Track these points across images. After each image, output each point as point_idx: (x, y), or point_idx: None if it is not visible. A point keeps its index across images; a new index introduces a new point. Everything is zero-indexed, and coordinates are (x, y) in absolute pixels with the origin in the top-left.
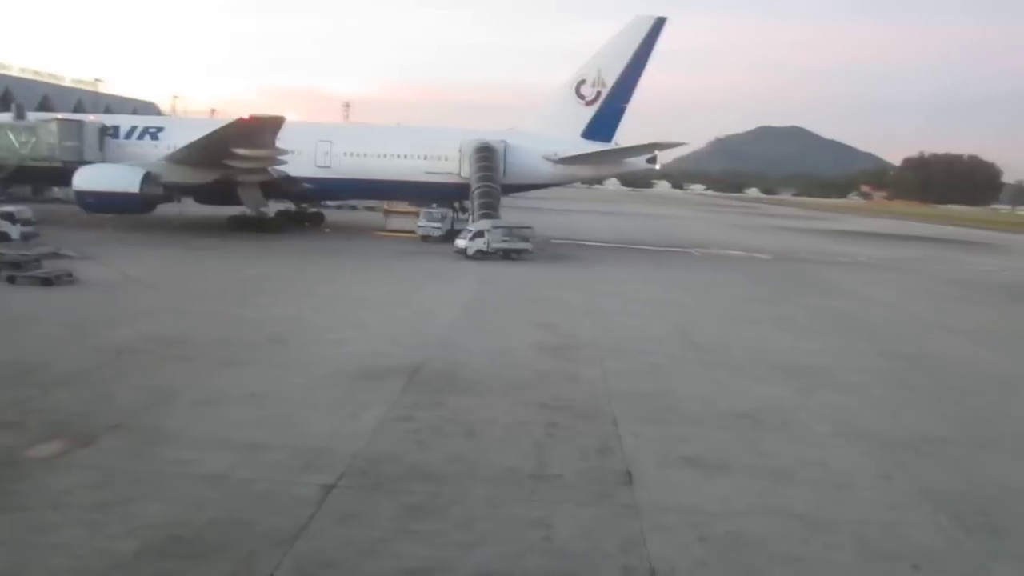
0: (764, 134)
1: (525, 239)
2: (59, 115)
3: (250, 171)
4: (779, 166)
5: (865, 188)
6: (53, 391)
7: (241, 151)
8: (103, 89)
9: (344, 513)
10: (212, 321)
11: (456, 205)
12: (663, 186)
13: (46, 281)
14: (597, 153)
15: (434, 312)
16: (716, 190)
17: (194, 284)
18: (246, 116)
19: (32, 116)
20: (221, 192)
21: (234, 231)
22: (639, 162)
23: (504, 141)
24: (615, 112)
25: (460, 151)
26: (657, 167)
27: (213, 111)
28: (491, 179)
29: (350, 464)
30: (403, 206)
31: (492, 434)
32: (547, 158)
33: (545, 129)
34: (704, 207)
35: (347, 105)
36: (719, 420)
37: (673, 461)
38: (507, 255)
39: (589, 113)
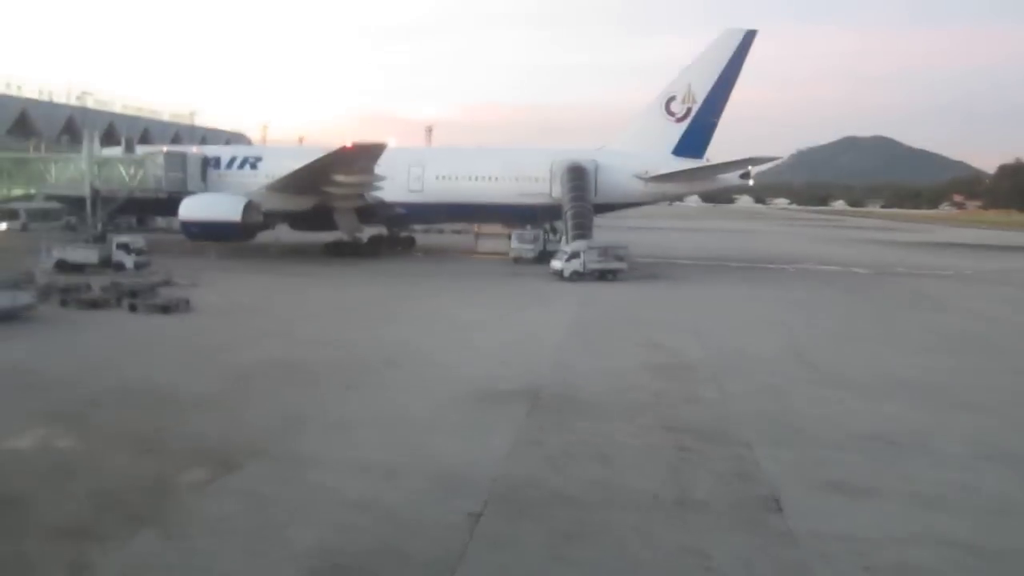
0: (848, 145)
1: (620, 259)
2: (164, 148)
3: (347, 197)
4: (864, 177)
5: (958, 198)
6: (190, 417)
7: (340, 178)
8: (198, 121)
9: (496, 540)
10: (325, 345)
11: (547, 226)
12: (745, 201)
13: (165, 309)
14: (690, 170)
15: (540, 334)
16: (800, 203)
17: (301, 309)
18: (349, 143)
19: (140, 149)
20: (317, 218)
21: (331, 256)
22: (732, 178)
23: (595, 160)
24: (706, 128)
25: (551, 171)
26: (751, 183)
27: (301, 139)
28: (583, 199)
29: (491, 490)
30: (493, 228)
31: (625, 458)
32: (638, 176)
33: (635, 147)
34: (790, 221)
35: (430, 129)
36: (854, 442)
37: (818, 486)
38: (603, 275)
39: (679, 130)
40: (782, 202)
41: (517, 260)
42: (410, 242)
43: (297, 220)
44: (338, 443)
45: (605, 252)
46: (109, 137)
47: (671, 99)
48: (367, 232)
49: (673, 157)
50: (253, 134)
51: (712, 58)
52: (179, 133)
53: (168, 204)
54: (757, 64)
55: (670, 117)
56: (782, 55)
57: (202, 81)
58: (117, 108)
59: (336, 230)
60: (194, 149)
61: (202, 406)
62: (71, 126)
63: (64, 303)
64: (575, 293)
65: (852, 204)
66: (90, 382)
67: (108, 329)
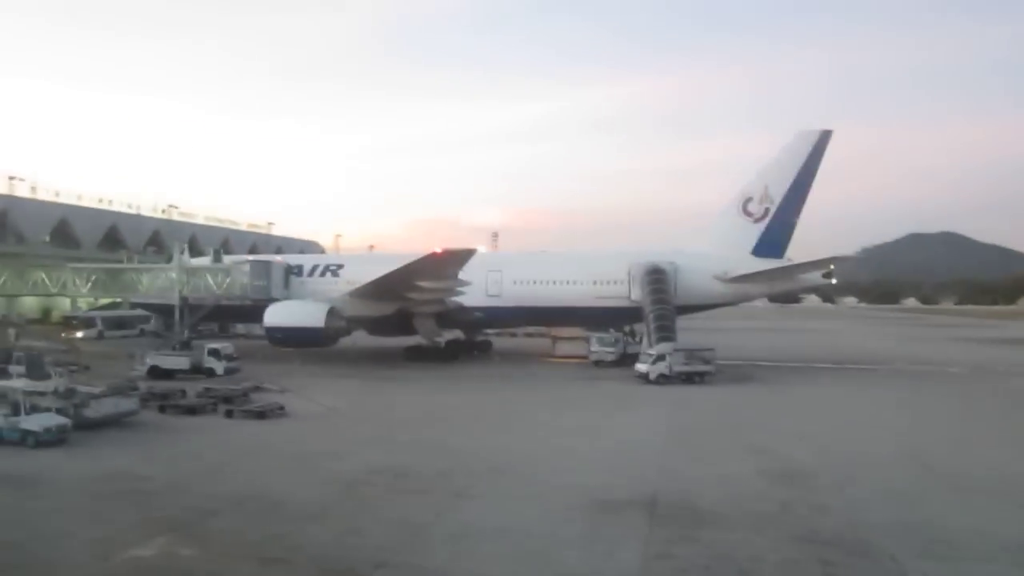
0: (914, 241)
1: (707, 361)
2: (250, 257)
3: (429, 302)
4: (932, 273)
5: None
6: (306, 526)
7: (425, 283)
8: (274, 231)
9: None
10: (426, 451)
11: (627, 328)
12: (812, 300)
13: (261, 415)
14: (771, 271)
15: (639, 439)
16: (869, 301)
17: (393, 414)
18: (439, 250)
19: (227, 259)
20: (397, 323)
21: (411, 361)
22: (815, 277)
23: (673, 262)
24: (785, 227)
25: (629, 274)
26: (833, 281)
27: (371, 247)
28: (665, 301)
29: None
30: (570, 331)
31: (767, 574)
32: (718, 277)
33: (713, 248)
34: (863, 320)
35: (495, 235)
36: (1009, 555)
37: None
38: (689, 378)
39: (758, 230)
40: (851, 300)
41: (598, 363)
42: (486, 346)
43: (377, 325)
44: (463, 556)
45: (691, 355)
46: (191, 248)
47: (748, 200)
48: (444, 336)
49: (752, 257)
50: (323, 241)
51: (788, 159)
52: (256, 242)
53: (251, 311)
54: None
55: (748, 217)
56: (848, 153)
57: (272, 191)
58: (199, 220)
59: (412, 334)
60: (278, 258)
61: (317, 516)
62: (156, 238)
63: (162, 409)
64: (665, 397)
65: (924, 301)
66: (202, 489)
67: (209, 436)
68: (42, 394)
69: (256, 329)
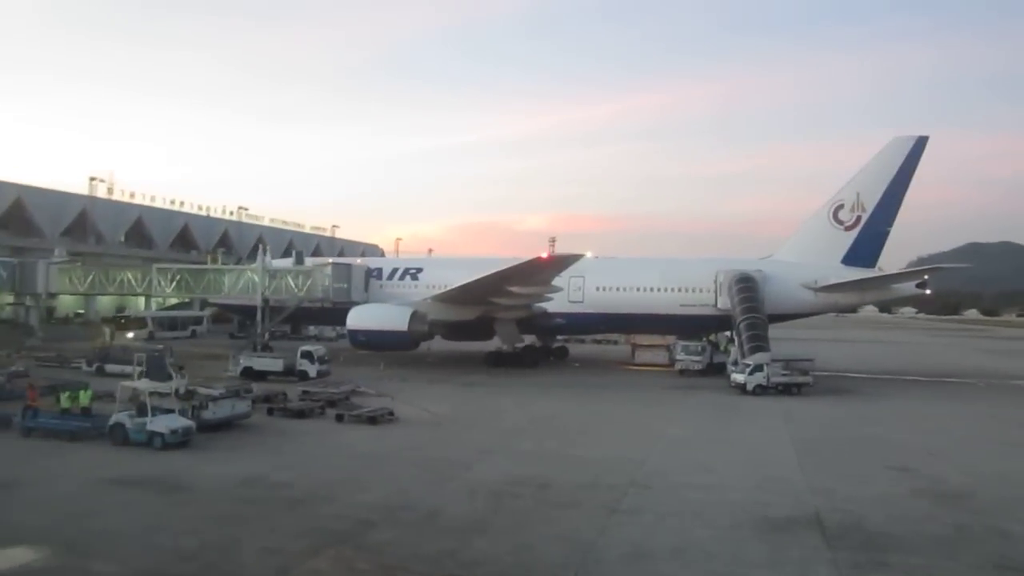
0: (972, 251)
1: (805, 372)
2: (331, 260)
3: (514, 308)
4: (990, 284)
5: None
6: (472, 540)
7: (517, 289)
8: (338, 234)
9: None
10: (554, 461)
11: (710, 337)
12: (869, 310)
13: (372, 420)
14: (864, 280)
15: (767, 453)
16: (928, 312)
17: (499, 422)
18: (545, 255)
19: (308, 261)
20: (478, 328)
21: (491, 366)
22: (907, 287)
23: (761, 270)
24: (877, 236)
25: (716, 282)
26: (928, 292)
27: (430, 250)
28: (756, 310)
29: None
30: (650, 339)
31: None
32: (807, 286)
33: (802, 256)
34: (929, 331)
35: (552, 240)
36: None
37: None
38: (787, 389)
39: (849, 238)
40: (909, 311)
41: (683, 372)
42: (563, 352)
43: (458, 330)
44: None
45: (789, 365)
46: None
47: (839, 207)
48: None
49: (843, 266)
50: (387, 247)
51: (881, 166)
52: (320, 245)
53: (323, 313)
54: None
55: (838, 225)
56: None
57: (319, 193)
58: (265, 222)
59: (488, 339)
60: (358, 261)
61: (479, 529)
62: (225, 239)
63: (271, 412)
64: (771, 408)
65: (985, 313)
66: (347, 498)
67: (328, 441)
68: (164, 395)
69: (327, 331)
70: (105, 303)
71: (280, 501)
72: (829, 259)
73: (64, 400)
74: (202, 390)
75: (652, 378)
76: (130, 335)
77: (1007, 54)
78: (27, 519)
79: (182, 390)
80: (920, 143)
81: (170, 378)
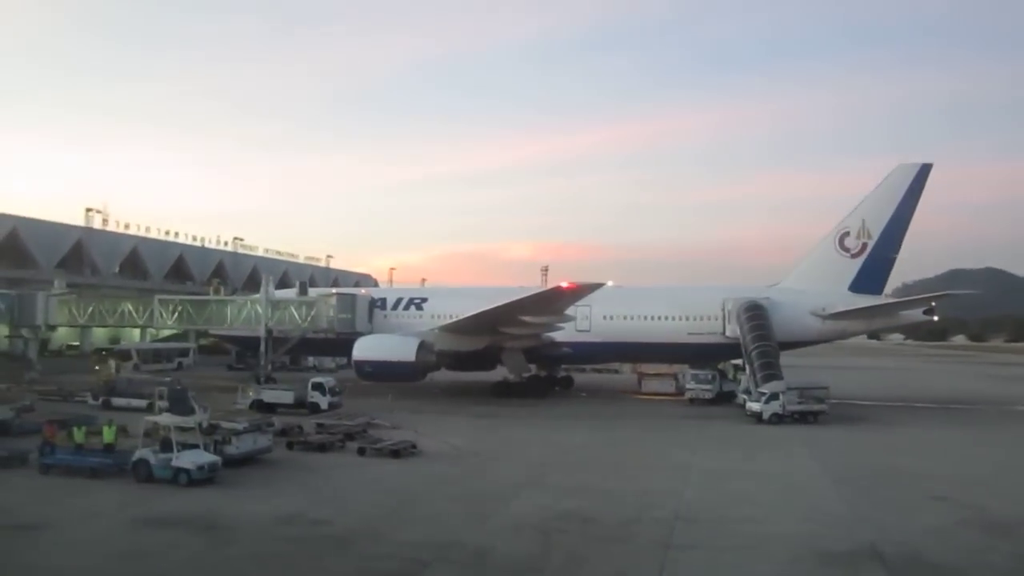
0: (955, 277)
1: (820, 400)
2: (334, 290)
3: (523, 337)
4: (974, 311)
5: None
6: None
7: (529, 318)
8: (334, 264)
9: None
10: (591, 495)
11: (720, 365)
12: (856, 336)
13: (395, 453)
14: (871, 307)
15: (802, 483)
16: (915, 338)
17: (524, 455)
18: (565, 284)
19: (313, 292)
20: (485, 358)
21: (498, 397)
22: (915, 314)
23: (769, 298)
24: (884, 263)
25: (723, 310)
26: (935, 318)
27: (423, 280)
28: (767, 338)
29: None
30: (657, 368)
31: None
32: (815, 314)
33: (809, 284)
34: (920, 357)
35: (545, 268)
36: None
37: None
38: (803, 417)
39: (855, 266)
40: (897, 337)
41: (693, 401)
42: (568, 382)
43: (465, 360)
44: None
45: (804, 393)
46: (252, 280)
47: (845, 234)
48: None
49: (850, 294)
50: (380, 277)
51: (886, 193)
52: (314, 275)
53: (324, 344)
54: (855, 200)
55: (844, 253)
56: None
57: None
58: (260, 252)
59: (491, 369)
60: (362, 291)
61: (534, 568)
62: (220, 270)
63: (290, 446)
64: (791, 438)
65: (972, 339)
66: (391, 536)
67: (357, 475)
68: (188, 430)
69: (327, 362)
70: (100, 335)
71: (324, 540)
72: (836, 286)
73: (78, 435)
74: (225, 424)
75: (663, 407)
76: (113, 368)
77: (984, 84)
78: (70, 561)
79: (205, 424)
80: (924, 170)
81: (193, 412)
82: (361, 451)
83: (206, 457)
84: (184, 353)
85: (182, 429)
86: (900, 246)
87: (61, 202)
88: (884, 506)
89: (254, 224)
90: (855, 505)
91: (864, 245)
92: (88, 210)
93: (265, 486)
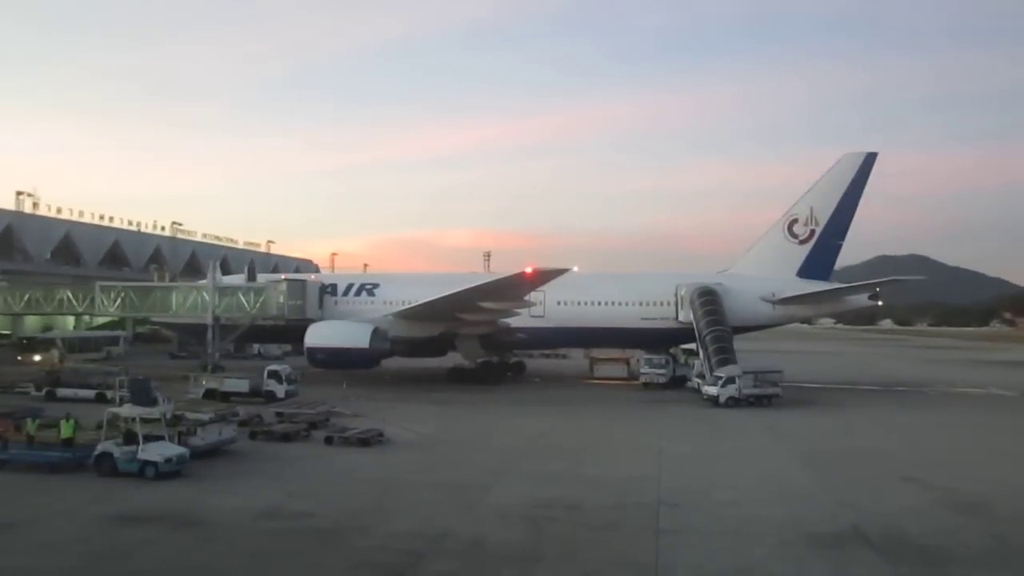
0: (882, 264)
1: (775, 383)
2: (284, 276)
3: (479, 324)
4: (901, 296)
5: (1007, 315)
6: (534, 570)
7: (488, 304)
8: (274, 250)
9: None
10: (569, 482)
11: (672, 350)
12: (803, 321)
13: (363, 442)
14: (819, 293)
15: (773, 466)
16: (844, 322)
17: (491, 442)
18: (529, 269)
19: (262, 278)
20: (439, 345)
21: (452, 383)
22: (860, 300)
23: (721, 283)
24: (830, 250)
25: (676, 295)
26: (880, 303)
27: (365, 266)
28: (721, 323)
29: None
30: (608, 352)
31: None
32: (765, 299)
33: (759, 270)
34: (854, 341)
35: (488, 255)
36: None
37: None
38: (758, 401)
39: (803, 252)
40: (827, 322)
41: (647, 385)
42: (520, 367)
43: (420, 347)
44: None
45: (759, 377)
46: (191, 267)
47: (793, 221)
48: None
49: (798, 279)
50: (321, 263)
51: (833, 181)
52: (254, 260)
53: (270, 331)
54: (784, 186)
55: (793, 239)
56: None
57: (253, 211)
58: (198, 238)
59: (443, 355)
60: (312, 277)
61: (532, 556)
62: (156, 255)
63: (253, 436)
64: (751, 421)
65: (898, 323)
66: (378, 528)
67: (328, 465)
68: (152, 421)
69: (273, 349)
70: (32, 324)
71: (310, 533)
72: (785, 272)
73: (31, 428)
74: (190, 415)
75: (618, 392)
76: (36, 358)
77: (921, 77)
78: (48, 563)
79: (168, 415)
80: (870, 159)
81: (156, 402)
82: (328, 440)
83: (173, 449)
84: (113, 342)
85: (146, 420)
86: (846, 233)
87: None
88: (856, 488)
89: (191, 209)
90: (829, 487)
91: (812, 232)
92: (19, 193)
93: (235, 479)
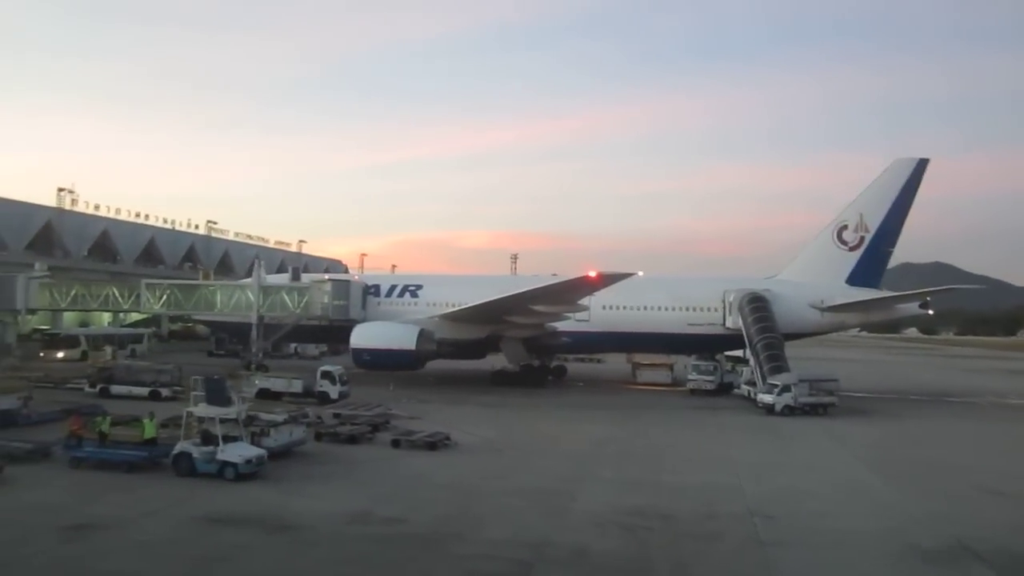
0: (905, 271)
1: (830, 392)
2: (328, 276)
3: (526, 327)
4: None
5: None
6: None
7: (541, 308)
8: (305, 250)
9: None
10: (653, 490)
11: (718, 356)
12: (853, 329)
13: (431, 445)
14: (869, 300)
15: (850, 476)
16: (868, 331)
17: (558, 447)
18: (593, 273)
19: (306, 278)
20: (482, 347)
21: (496, 385)
22: (911, 308)
23: (768, 289)
24: (881, 257)
25: (724, 301)
26: (931, 312)
27: (394, 267)
28: (772, 329)
29: None
30: (651, 358)
31: None
32: (814, 306)
33: (807, 277)
34: (883, 349)
35: (514, 257)
36: None
37: None
38: (813, 409)
39: (853, 259)
40: (852, 329)
41: (694, 392)
42: (562, 371)
43: (465, 349)
44: None
45: (815, 385)
46: (223, 265)
47: (843, 228)
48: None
49: (848, 287)
50: (352, 263)
51: (884, 187)
52: (284, 260)
53: (329, 332)
54: (804, 190)
55: (842, 246)
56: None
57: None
58: (231, 236)
59: (481, 358)
60: (356, 277)
61: (644, 568)
62: (191, 254)
63: (319, 437)
64: (812, 430)
65: (923, 331)
66: (474, 535)
67: (400, 469)
68: (229, 421)
69: (310, 349)
70: (69, 320)
71: (408, 539)
72: (834, 279)
73: (104, 426)
74: (264, 416)
75: (666, 398)
76: (60, 355)
77: (940, 82)
78: (150, 566)
79: (242, 416)
80: (921, 165)
81: (231, 403)
82: (395, 443)
83: (252, 450)
84: (137, 339)
85: (223, 421)
86: (896, 240)
87: (20, 183)
88: (944, 500)
89: (222, 207)
90: (915, 499)
91: (862, 239)
92: (60, 190)
93: (312, 481)
